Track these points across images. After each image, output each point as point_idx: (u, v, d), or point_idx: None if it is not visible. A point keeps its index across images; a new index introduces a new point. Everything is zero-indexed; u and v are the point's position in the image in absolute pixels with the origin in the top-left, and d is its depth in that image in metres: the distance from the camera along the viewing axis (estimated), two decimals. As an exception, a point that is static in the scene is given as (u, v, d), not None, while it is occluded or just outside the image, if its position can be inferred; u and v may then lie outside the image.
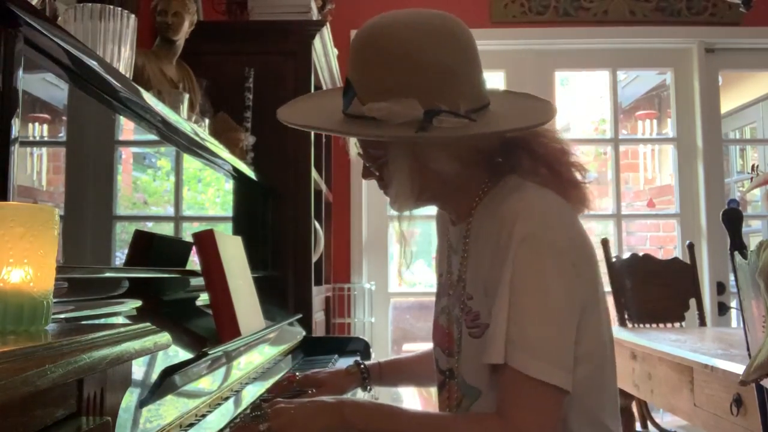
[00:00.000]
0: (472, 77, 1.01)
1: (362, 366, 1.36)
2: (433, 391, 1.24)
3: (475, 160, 1.05)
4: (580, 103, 5.10)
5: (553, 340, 0.94)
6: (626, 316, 2.92)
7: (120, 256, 1.24)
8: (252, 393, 1.35)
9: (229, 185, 1.95)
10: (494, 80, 3.59)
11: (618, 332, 2.70)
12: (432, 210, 1.21)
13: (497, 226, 0.99)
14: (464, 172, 1.04)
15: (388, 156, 1.02)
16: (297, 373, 1.35)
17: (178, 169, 1.55)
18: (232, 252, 1.46)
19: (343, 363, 1.91)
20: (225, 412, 1.16)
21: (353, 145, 1.11)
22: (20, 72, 0.85)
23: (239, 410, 1.21)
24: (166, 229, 1.54)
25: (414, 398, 3.55)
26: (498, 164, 1.09)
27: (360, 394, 1.42)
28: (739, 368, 1.65)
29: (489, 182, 1.08)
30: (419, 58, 0.96)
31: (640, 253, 3.04)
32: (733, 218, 1.72)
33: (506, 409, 0.95)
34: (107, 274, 1.13)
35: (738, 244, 1.64)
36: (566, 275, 0.96)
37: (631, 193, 5.08)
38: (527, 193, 1.02)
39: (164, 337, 0.76)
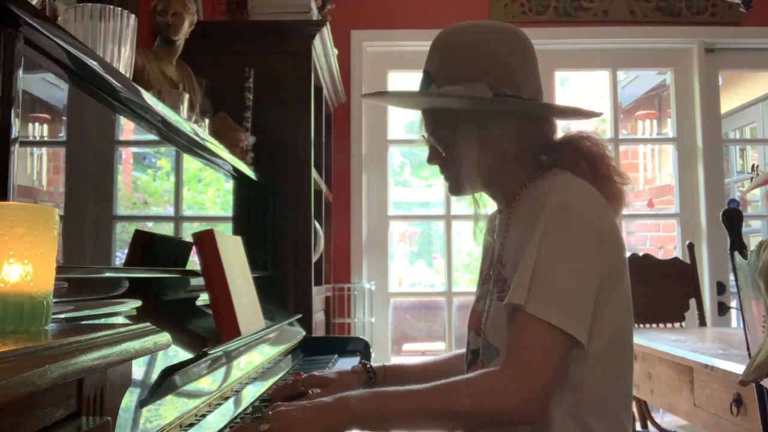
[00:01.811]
0: (533, 75, 1.15)
1: (368, 366, 1.36)
2: None
3: (529, 148, 1.16)
4: (580, 103, 5.09)
5: (572, 295, 1.00)
6: (626, 316, 2.91)
7: (120, 256, 1.24)
8: (252, 393, 1.35)
9: (229, 185, 1.95)
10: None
11: (618, 332, 2.70)
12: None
13: (532, 202, 1.09)
14: (519, 157, 1.15)
15: (456, 135, 1.14)
16: (302, 373, 1.34)
17: (178, 169, 1.55)
18: (232, 252, 1.46)
19: (344, 363, 1.91)
20: (225, 412, 1.16)
21: (421, 136, 1.23)
22: (20, 72, 0.85)
23: (239, 410, 1.21)
24: (166, 229, 1.54)
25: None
26: (545, 159, 1.20)
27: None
28: (739, 368, 1.65)
29: (535, 173, 1.17)
30: (489, 50, 1.12)
31: (640, 253, 3.05)
32: (733, 218, 1.72)
33: (513, 352, 0.98)
34: (107, 274, 1.13)
35: (738, 244, 1.64)
36: (591, 245, 1.04)
37: (631, 193, 5.08)
38: (566, 176, 1.12)
39: (164, 337, 0.76)
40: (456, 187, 1.20)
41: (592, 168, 1.15)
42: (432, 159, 1.21)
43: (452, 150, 1.16)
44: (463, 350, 1.38)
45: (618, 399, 1.09)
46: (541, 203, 1.06)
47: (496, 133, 1.12)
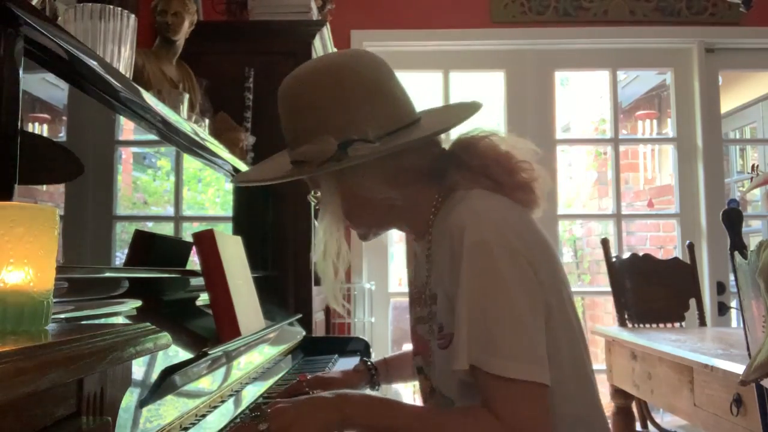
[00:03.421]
0: (379, 104, 1.03)
1: (370, 364, 1.37)
2: None
3: (410, 179, 1.07)
4: (580, 103, 5.11)
5: (521, 338, 0.95)
6: (626, 316, 2.92)
7: (120, 256, 1.24)
8: (252, 393, 1.35)
9: (229, 185, 1.95)
10: (494, 80, 3.59)
11: (618, 332, 2.71)
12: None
13: (448, 239, 1.01)
14: (404, 192, 1.07)
15: (323, 192, 1.07)
16: (307, 374, 1.35)
17: (178, 169, 1.55)
18: (232, 252, 1.46)
19: (344, 363, 1.91)
20: (225, 412, 1.16)
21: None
22: (20, 72, 0.85)
23: (239, 410, 1.21)
24: (166, 229, 1.54)
25: (415, 399, 3.55)
26: (443, 180, 1.11)
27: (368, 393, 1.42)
28: (739, 368, 1.65)
29: (439, 198, 1.10)
30: (316, 99, 1.02)
31: (640, 253, 3.04)
32: (733, 218, 1.72)
33: (498, 412, 0.95)
34: (107, 274, 1.13)
35: (738, 244, 1.64)
36: (522, 274, 0.98)
37: (631, 193, 5.09)
38: (472, 202, 1.04)
39: (164, 337, 0.76)
40: (361, 236, 1.15)
41: (495, 183, 1.08)
42: None
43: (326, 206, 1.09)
44: None
45: (592, 413, 1.07)
46: (458, 241, 0.99)
47: (356, 183, 1.04)
